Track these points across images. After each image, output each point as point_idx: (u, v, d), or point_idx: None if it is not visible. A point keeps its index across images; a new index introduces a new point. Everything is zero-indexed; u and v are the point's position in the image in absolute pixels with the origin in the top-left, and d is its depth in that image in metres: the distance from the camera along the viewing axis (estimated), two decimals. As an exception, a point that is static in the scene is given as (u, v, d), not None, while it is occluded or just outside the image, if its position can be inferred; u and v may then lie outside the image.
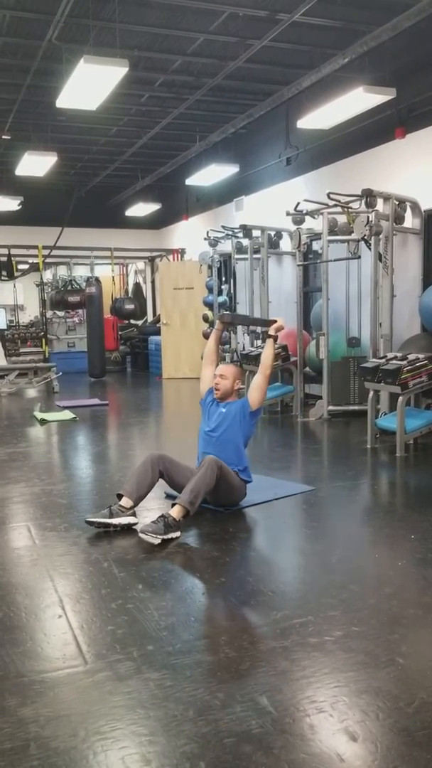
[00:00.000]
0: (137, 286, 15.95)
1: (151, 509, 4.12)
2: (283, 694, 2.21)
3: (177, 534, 3.70)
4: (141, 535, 3.69)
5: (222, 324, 4.79)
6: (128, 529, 3.85)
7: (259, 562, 3.48)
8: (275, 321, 4.56)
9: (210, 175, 11.05)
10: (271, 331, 4.48)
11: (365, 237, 6.58)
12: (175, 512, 3.74)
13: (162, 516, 3.71)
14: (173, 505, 3.82)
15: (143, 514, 4.01)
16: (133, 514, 3.91)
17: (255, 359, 7.91)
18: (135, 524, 3.88)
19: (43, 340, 13.51)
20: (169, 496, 4.35)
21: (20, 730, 2.04)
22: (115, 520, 3.84)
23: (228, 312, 4.84)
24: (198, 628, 2.72)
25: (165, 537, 3.63)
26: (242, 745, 1.95)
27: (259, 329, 4.96)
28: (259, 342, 8.58)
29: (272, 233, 9.06)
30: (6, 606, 2.92)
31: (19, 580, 3.27)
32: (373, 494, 4.93)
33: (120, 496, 3.96)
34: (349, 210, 6.88)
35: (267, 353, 4.43)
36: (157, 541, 3.60)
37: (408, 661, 2.41)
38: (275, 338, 4.48)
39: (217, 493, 4.03)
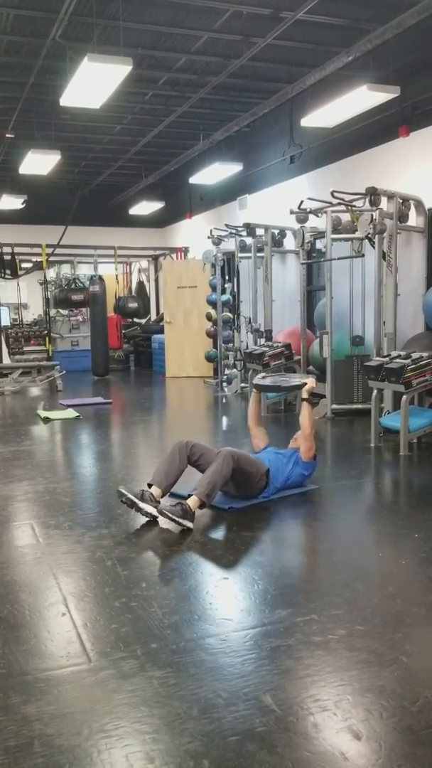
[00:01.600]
0: (141, 284, 15.95)
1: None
2: (286, 693, 2.21)
3: (191, 525, 3.75)
4: (160, 514, 3.79)
5: (258, 391, 4.94)
6: (135, 526, 3.85)
7: (263, 560, 3.47)
8: (306, 383, 4.64)
9: (213, 173, 11.05)
10: (305, 395, 4.58)
11: (369, 235, 6.57)
12: (192, 502, 3.81)
13: (180, 503, 3.78)
14: (188, 495, 3.87)
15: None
16: (156, 508, 3.93)
17: (258, 358, 7.92)
18: (156, 518, 3.92)
19: (47, 339, 13.51)
20: (174, 495, 4.34)
21: (24, 728, 2.05)
22: (142, 504, 3.89)
23: (263, 379, 4.98)
24: (201, 626, 2.72)
25: (182, 521, 3.71)
26: (246, 743, 1.95)
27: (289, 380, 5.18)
28: (261, 341, 8.58)
29: (276, 232, 9.06)
30: (10, 604, 2.93)
31: (23, 578, 3.27)
32: (376, 493, 4.92)
33: (150, 486, 4.02)
34: (353, 208, 6.87)
35: (304, 417, 4.51)
36: (176, 519, 3.70)
37: (412, 660, 2.41)
38: (310, 401, 4.57)
39: (236, 482, 4.11)
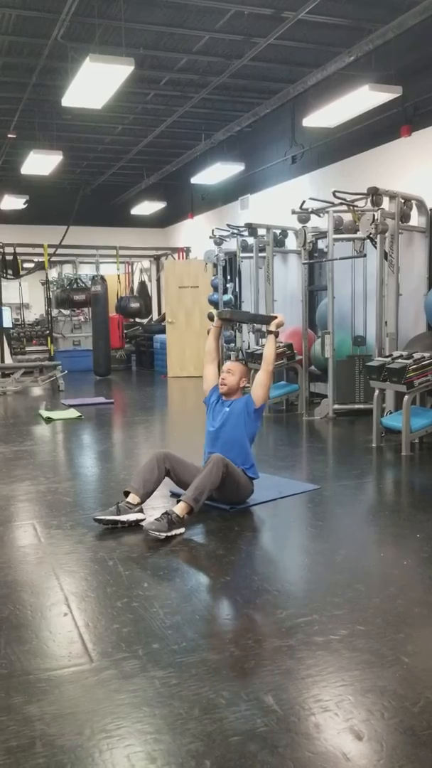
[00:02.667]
0: (142, 284, 15.95)
1: (156, 507, 4.12)
2: (288, 693, 2.21)
3: (181, 530, 3.72)
4: (145, 530, 3.72)
5: (221, 321, 4.77)
6: (134, 527, 3.85)
7: (265, 561, 3.48)
8: (275, 317, 4.58)
9: (215, 173, 11.05)
10: (272, 327, 4.51)
11: (371, 235, 6.57)
12: (179, 509, 3.75)
13: (166, 513, 3.72)
14: (178, 501, 3.83)
15: (149, 512, 4.01)
16: (141, 511, 3.93)
17: (260, 358, 7.88)
18: (143, 520, 3.89)
19: (49, 339, 13.52)
20: (174, 494, 4.35)
21: (26, 728, 2.05)
22: (123, 517, 3.85)
23: (227, 309, 4.75)
24: (203, 626, 2.72)
25: (169, 534, 3.65)
26: (247, 743, 1.95)
27: (262, 327, 4.93)
28: (263, 341, 8.57)
29: (277, 232, 9.05)
30: (12, 604, 2.93)
31: (25, 578, 3.28)
32: (378, 493, 4.92)
33: (127, 494, 3.98)
34: (355, 208, 6.87)
35: (269, 349, 4.46)
36: (162, 537, 3.62)
37: (413, 661, 2.41)
38: (276, 334, 4.51)
39: (223, 491, 4.05)
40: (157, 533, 3.63)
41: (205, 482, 3.85)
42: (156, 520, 3.71)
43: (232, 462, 4.08)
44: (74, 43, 7.13)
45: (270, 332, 4.51)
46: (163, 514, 3.73)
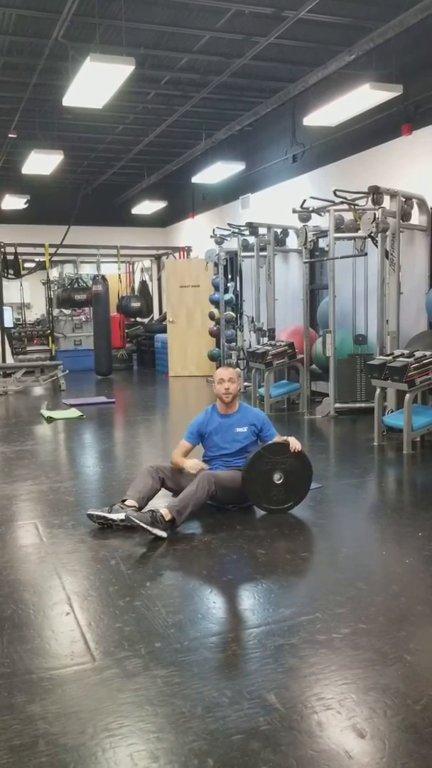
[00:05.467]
0: (143, 284, 15.95)
1: (160, 507, 4.12)
2: (290, 691, 2.21)
3: (163, 534, 3.66)
4: (126, 519, 3.71)
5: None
6: (131, 528, 3.82)
7: (266, 560, 3.48)
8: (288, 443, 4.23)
9: (216, 172, 11.05)
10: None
11: (372, 234, 6.56)
12: (164, 512, 3.73)
13: (152, 511, 3.74)
14: (164, 507, 3.83)
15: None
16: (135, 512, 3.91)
17: (261, 356, 7.92)
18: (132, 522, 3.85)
19: (50, 338, 13.53)
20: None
21: (29, 727, 2.05)
22: (113, 515, 3.85)
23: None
24: (205, 625, 2.72)
25: (150, 528, 3.63)
26: (250, 741, 1.96)
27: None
28: (264, 340, 8.58)
29: (278, 231, 9.05)
30: (14, 603, 2.93)
31: (27, 577, 3.28)
32: (380, 491, 4.92)
33: (124, 501, 3.98)
34: (356, 207, 6.86)
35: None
36: (140, 525, 3.60)
37: (416, 658, 2.41)
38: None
39: (224, 495, 4.06)
40: (139, 522, 3.61)
41: (189, 498, 3.83)
42: (142, 512, 3.75)
43: (240, 464, 4.13)
44: (75, 43, 7.12)
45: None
46: (149, 510, 3.76)
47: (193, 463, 4.14)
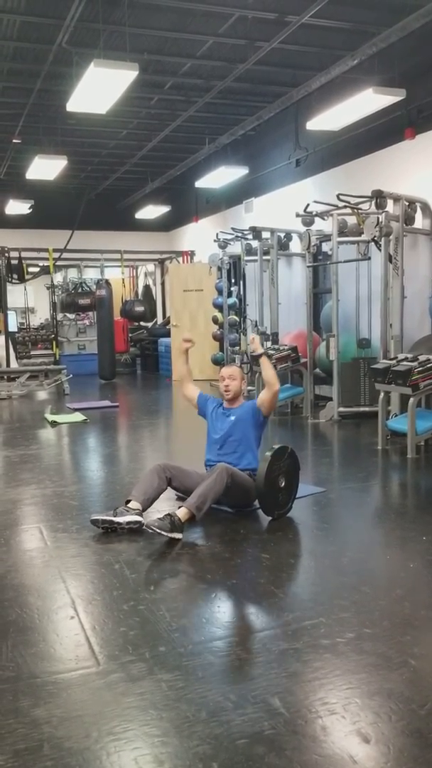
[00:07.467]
0: (147, 288, 15.98)
1: (162, 510, 4.12)
2: (295, 696, 2.21)
3: (180, 536, 3.69)
4: (146, 528, 3.73)
5: (188, 341, 4.75)
6: (138, 531, 3.83)
7: (270, 564, 3.47)
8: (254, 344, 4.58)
9: (220, 177, 11.07)
10: (256, 353, 4.50)
11: (375, 238, 6.57)
12: (181, 514, 3.74)
13: (168, 515, 3.72)
14: (180, 507, 3.83)
15: (153, 515, 4.00)
16: (139, 515, 3.91)
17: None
18: (139, 523, 3.85)
19: (54, 343, 13.55)
20: (180, 498, 4.35)
21: (34, 731, 2.05)
22: (119, 518, 3.84)
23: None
24: (210, 629, 2.72)
25: (170, 535, 3.64)
26: (255, 746, 1.95)
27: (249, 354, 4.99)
28: (268, 344, 8.58)
29: (282, 235, 9.06)
30: (19, 607, 2.94)
31: (32, 581, 3.28)
32: (384, 496, 4.91)
33: (128, 502, 3.98)
34: (359, 211, 6.88)
35: (266, 372, 4.38)
36: (164, 534, 3.62)
37: (420, 663, 2.41)
38: (263, 354, 4.51)
39: (230, 496, 4.06)
40: (160, 531, 3.62)
41: (208, 491, 3.84)
42: (158, 519, 3.71)
43: (244, 465, 4.13)
44: (79, 49, 7.16)
45: (256, 357, 4.54)
46: (165, 515, 3.73)
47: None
